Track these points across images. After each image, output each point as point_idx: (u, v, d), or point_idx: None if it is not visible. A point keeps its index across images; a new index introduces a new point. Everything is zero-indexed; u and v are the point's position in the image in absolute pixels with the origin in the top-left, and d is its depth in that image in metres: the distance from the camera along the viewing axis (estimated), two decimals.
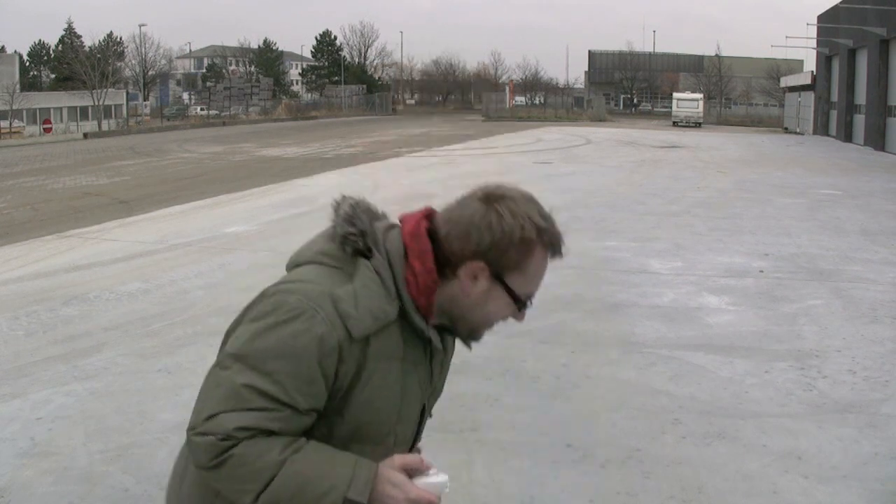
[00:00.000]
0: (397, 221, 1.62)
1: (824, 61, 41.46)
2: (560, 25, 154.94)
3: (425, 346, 1.60)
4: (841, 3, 36.14)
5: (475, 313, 1.57)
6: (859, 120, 33.65)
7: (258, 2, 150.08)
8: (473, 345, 1.68)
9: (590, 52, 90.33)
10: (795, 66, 61.44)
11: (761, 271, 8.45)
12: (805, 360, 5.59)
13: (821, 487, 3.77)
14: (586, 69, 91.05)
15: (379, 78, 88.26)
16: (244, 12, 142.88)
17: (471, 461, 4.01)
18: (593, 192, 15.20)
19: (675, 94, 59.36)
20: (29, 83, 67.06)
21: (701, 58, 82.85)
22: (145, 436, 4.19)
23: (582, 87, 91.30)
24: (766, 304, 7.13)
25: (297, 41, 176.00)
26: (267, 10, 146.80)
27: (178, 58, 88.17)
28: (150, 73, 69.18)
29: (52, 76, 74.76)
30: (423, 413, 1.70)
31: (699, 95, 58.74)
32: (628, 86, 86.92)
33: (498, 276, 1.53)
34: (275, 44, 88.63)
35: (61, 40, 77.93)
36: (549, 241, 1.53)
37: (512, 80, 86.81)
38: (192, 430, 1.45)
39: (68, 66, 54.54)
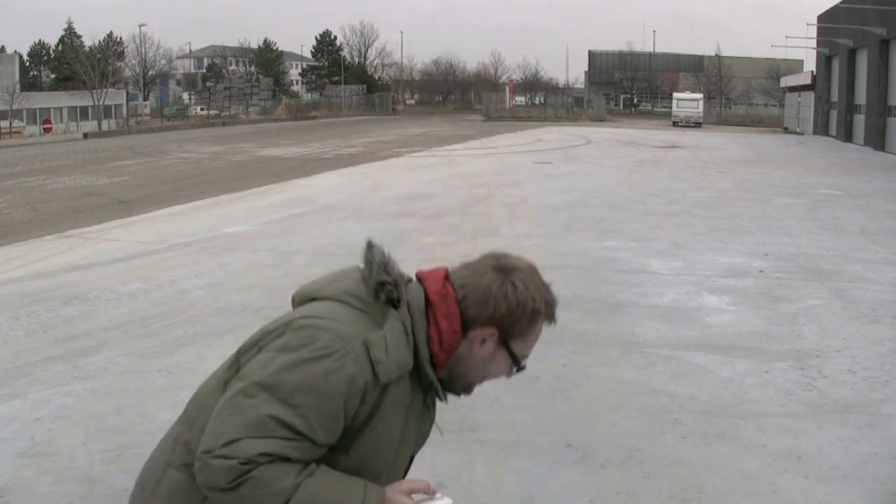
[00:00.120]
0: (412, 275, 1.72)
1: (824, 61, 41.45)
2: (560, 25, 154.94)
3: (425, 396, 1.71)
4: (841, 3, 36.13)
5: (477, 372, 1.70)
6: (859, 120, 33.65)
7: (258, 2, 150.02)
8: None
9: (590, 52, 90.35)
10: (795, 66, 61.43)
11: (761, 271, 8.45)
12: (805, 360, 5.59)
13: (821, 487, 3.77)
14: (586, 69, 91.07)
15: (379, 78, 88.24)
16: (244, 12, 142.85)
17: (471, 461, 4.01)
18: (593, 192, 15.20)
19: (675, 94, 59.36)
20: (29, 83, 67.03)
21: (701, 58, 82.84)
22: (145, 436, 4.18)
23: (582, 87, 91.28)
24: (766, 304, 7.13)
25: (297, 41, 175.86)
26: (267, 10, 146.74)
27: (178, 58, 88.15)
28: (150, 73, 69.17)
29: (52, 76, 74.72)
30: (412, 458, 1.80)
31: (699, 95, 58.73)
32: (628, 86, 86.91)
33: (504, 342, 1.67)
34: (275, 44, 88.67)
35: (61, 40, 77.89)
36: (551, 312, 1.70)
37: (512, 80, 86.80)
38: (208, 452, 1.49)
39: (68, 66, 54.53)
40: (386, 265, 1.64)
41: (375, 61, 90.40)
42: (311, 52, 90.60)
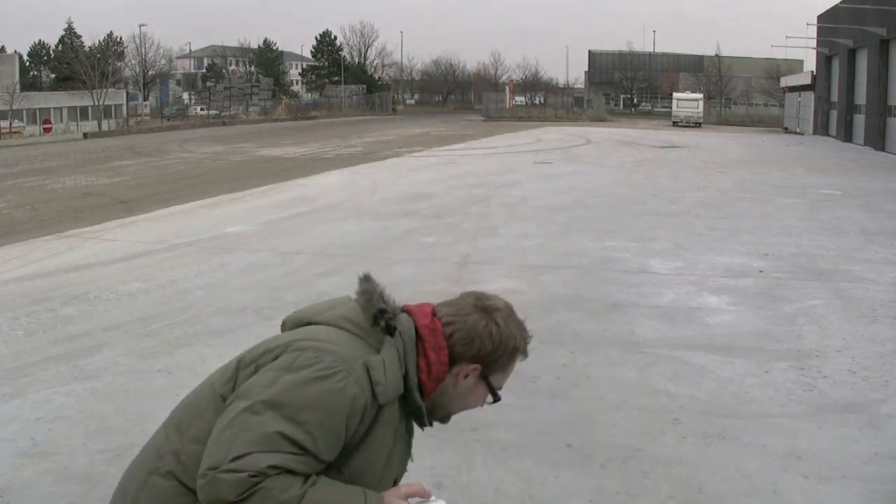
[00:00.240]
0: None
1: (824, 61, 41.46)
2: (560, 26, 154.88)
3: (407, 422, 1.83)
4: (841, 3, 36.14)
5: (457, 403, 1.83)
6: (859, 120, 33.65)
7: (258, 2, 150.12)
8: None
9: (590, 52, 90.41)
10: (795, 66, 61.45)
11: (761, 271, 8.45)
12: (805, 360, 5.59)
13: (821, 487, 3.77)
14: (586, 69, 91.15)
15: (379, 78, 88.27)
16: (244, 12, 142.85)
17: (471, 461, 4.01)
18: (593, 192, 15.20)
19: (675, 94, 59.36)
20: (29, 83, 67.05)
21: (701, 58, 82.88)
22: (145, 436, 4.14)
23: (582, 87, 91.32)
24: (766, 304, 7.13)
25: (297, 41, 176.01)
26: (267, 10, 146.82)
27: (178, 58, 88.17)
28: (150, 73, 69.19)
29: (52, 76, 74.70)
30: (396, 482, 1.87)
31: (699, 95, 58.75)
32: (628, 86, 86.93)
33: (485, 376, 1.80)
34: (275, 44, 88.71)
35: (61, 40, 77.84)
36: (525, 347, 1.84)
37: (512, 80, 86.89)
38: (215, 468, 1.54)
39: (68, 66, 54.53)
40: (383, 295, 1.75)
41: (375, 61, 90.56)
42: (311, 52, 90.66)
